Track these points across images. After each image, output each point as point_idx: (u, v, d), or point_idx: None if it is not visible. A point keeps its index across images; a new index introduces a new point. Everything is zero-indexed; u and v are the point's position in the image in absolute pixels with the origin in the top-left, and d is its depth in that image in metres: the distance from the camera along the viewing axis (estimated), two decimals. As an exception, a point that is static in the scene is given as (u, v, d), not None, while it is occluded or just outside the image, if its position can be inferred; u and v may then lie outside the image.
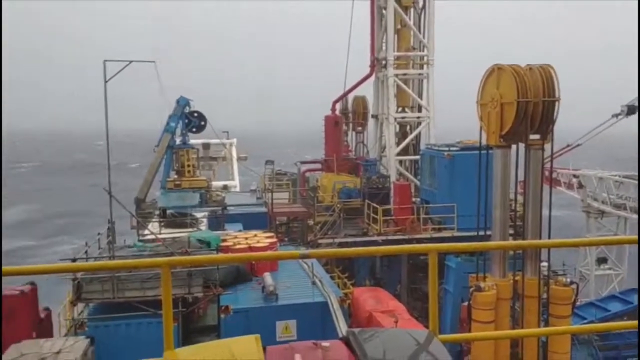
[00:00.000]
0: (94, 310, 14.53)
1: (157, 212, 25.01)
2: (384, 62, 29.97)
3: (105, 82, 14.97)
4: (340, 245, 22.64)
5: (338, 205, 24.69)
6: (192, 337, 15.01)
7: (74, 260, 14.22)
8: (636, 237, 5.30)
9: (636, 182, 25.10)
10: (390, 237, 22.89)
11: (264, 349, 4.00)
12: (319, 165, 32.91)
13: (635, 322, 5.35)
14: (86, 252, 15.44)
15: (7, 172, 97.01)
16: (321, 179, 30.65)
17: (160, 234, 19.58)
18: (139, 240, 18.76)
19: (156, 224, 22.49)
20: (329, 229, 23.77)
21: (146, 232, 19.93)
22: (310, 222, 25.05)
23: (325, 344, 4.18)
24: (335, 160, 30.17)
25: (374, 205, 23.84)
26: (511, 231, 15.80)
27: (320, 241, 23.17)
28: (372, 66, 30.82)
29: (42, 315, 14.11)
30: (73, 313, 14.55)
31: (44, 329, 13.94)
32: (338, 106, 33.41)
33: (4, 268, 4.07)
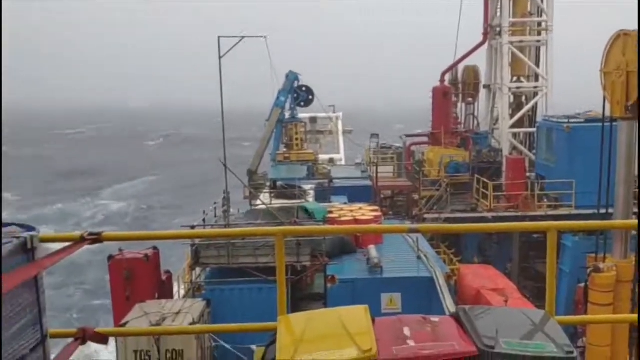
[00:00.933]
0: (210, 274, 15.41)
1: (267, 184, 25.93)
2: (498, 29, 28.59)
3: (220, 57, 15.55)
4: (447, 221, 22.22)
5: (445, 180, 24.17)
6: (300, 304, 15.55)
7: (192, 227, 15.17)
8: None
9: None
10: (501, 214, 22.11)
11: (373, 320, 4.07)
12: (425, 139, 32.31)
13: None
14: (204, 220, 16.39)
15: (138, 147, 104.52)
16: (427, 152, 30.10)
17: (270, 204, 20.29)
18: (251, 210, 19.57)
19: (267, 195, 23.33)
20: (435, 204, 23.39)
21: (258, 202, 20.75)
22: (415, 197, 24.79)
23: (434, 318, 4.17)
24: (443, 133, 29.46)
25: (484, 180, 23.07)
26: (635, 209, 14.70)
27: (425, 216, 22.89)
28: (485, 34, 29.53)
29: (164, 277, 15.20)
30: (191, 276, 15.51)
31: (165, 290, 15.02)
32: (447, 77, 32.44)
33: (131, 233, 4.43)
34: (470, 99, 34.05)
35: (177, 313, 12.55)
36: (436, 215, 22.69)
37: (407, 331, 4.01)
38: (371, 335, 3.85)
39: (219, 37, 15.61)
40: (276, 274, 4.76)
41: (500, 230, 18.91)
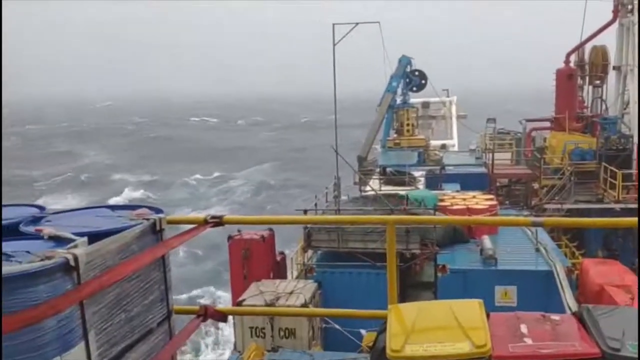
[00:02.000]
0: (322, 257, 15.75)
1: (377, 170, 25.88)
2: (630, 6, 26.21)
3: (334, 44, 15.69)
4: (569, 211, 20.93)
5: (568, 168, 22.69)
6: (408, 292, 15.45)
7: (305, 212, 15.57)
8: None
9: None
10: (630, 206, 20.43)
11: (487, 314, 3.94)
12: (547, 124, 30.49)
13: None
14: (315, 204, 16.74)
15: (249, 134, 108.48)
16: (549, 138, 28.38)
17: (380, 190, 20.27)
18: (361, 196, 19.68)
19: (376, 181, 23.31)
20: (557, 194, 22.08)
21: (367, 188, 20.81)
22: (535, 185, 23.55)
23: (555, 317, 3.96)
24: (567, 118, 27.64)
25: (612, 168, 21.42)
26: None
27: (546, 206, 21.69)
28: (615, 11, 27.19)
29: (278, 258, 15.77)
30: (304, 258, 15.93)
31: (279, 270, 15.59)
32: (572, 58, 30.31)
33: (249, 217, 4.60)
34: (597, 82, 31.52)
35: (290, 293, 13.00)
36: (558, 206, 21.43)
37: (524, 328, 3.84)
38: (485, 330, 3.73)
39: (333, 25, 15.77)
40: (386, 260, 4.74)
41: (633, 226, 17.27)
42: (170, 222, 4.00)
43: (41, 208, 4.26)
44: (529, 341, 3.72)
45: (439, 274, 13.93)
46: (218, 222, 4.11)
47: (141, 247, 3.60)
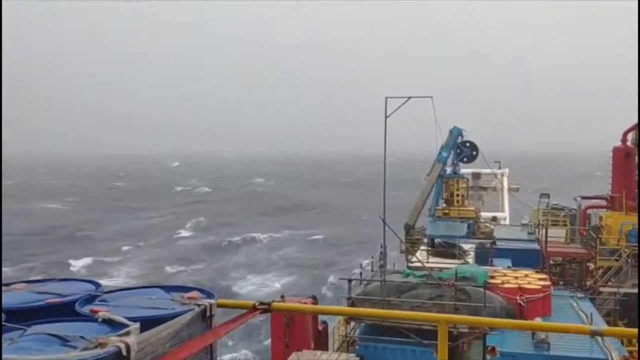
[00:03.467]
0: (365, 329, 15.39)
1: (425, 240, 25.48)
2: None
3: (386, 117, 15.92)
4: (626, 295, 19.92)
5: (626, 250, 21.77)
6: (455, 372, 14.83)
7: (349, 280, 15.40)
8: None
9: None
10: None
11: None
12: (603, 202, 29.55)
13: None
14: (360, 274, 16.55)
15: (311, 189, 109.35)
16: (606, 217, 27.41)
17: (427, 262, 19.90)
18: (408, 267, 19.36)
19: (424, 252, 22.91)
20: (613, 276, 21.12)
21: (414, 259, 20.46)
22: (591, 266, 22.61)
23: None
24: (624, 197, 26.73)
25: (673, 252, 20.42)
26: None
27: (601, 289, 20.74)
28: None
29: (320, 327, 15.49)
30: (346, 330, 15.60)
31: (320, 341, 15.28)
32: (630, 136, 29.62)
33: (298, 305, 4.57)
34: (657, 160, 30.58)
35: (331, 366, 12.68)
36: (614, 289, 20.44)
37: None
38: None
39: (386, 98, 16.06)
40: (432, 338, 4.58)
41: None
42: (220, 306, 4.03)
43: (97, 285, 4.36)
44: None
45: (488, 357, 13.35)
46: (267, 308, 4.12)
47: (191, 334, 3.62)
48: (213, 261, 52.67)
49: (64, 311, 3.68)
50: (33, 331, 3.29)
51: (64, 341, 3.12)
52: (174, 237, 66.33)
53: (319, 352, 13.78)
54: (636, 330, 4.22)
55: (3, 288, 4.19)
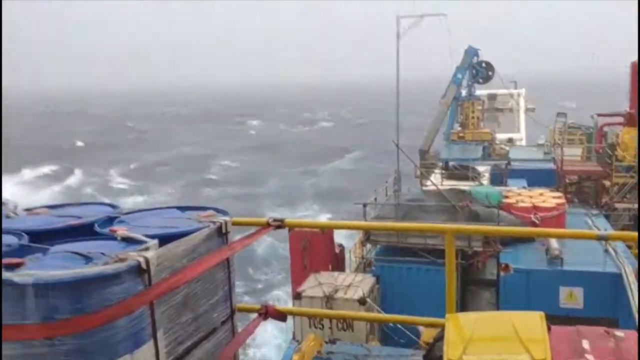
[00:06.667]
0: (380, 251, 15.71)
1: (439, 164, 25.47)
2: None
3: (398, 38, 15.54)
4: (641, 211, 19.94)
5: (642, 166, 21.59)
6: (469, 289, 15.21)
7: (364, 205, 15.59)
8: None
9: None
10: None
11: (549, 327, 3.87)
12: (620, 119, 29.05)
13: None
14: (375, 198, 16.72)
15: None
16: (622, 134, 27.01)
17: (441, 185, 19.97)
18: (422, 191, 19.47)
19: (438, 175, 22.97)
20: (629, 192, 21.07)
21: (428, 182, 20.54)
22: (607, 183, 22.55)
23: (618, 333, 3.85)
24: (642, 113, 26.19)
25: (690, 167, 20.23)
26: None
27: (617, 205, 20.75)
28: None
29: (337, 250, 15.86)
30: (362, 252, 15.95)
31: (337, 263, 15.68)
32: (650, 49, 28.68)
33: (309, 221, 4.68)
34: (678, 74, 29.71)
35: (348, 286, 13.05)
36: (629, 205, 20.45)
37: (586, 344, 3.76)
38: (546, 344, 3.68)
39: (397, 17, 15.59)
40: (444, 258, 4.71)
41: None
42: (235, 224, 4.15)
43: (114, 207, 4.50)
44: (590, 357, 3.64)
45: (502, 273, 13.62)
46: (280, 224, 4.24)
47: (208, 249, 3.76)
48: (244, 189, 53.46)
49: (84, 232, 3.82)
50: (55, 250, 3.44)
51: (85, 258, 3.26)
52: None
53: (336, 273, 14.17)
54: (636, 233, 4.28)
55: (27, 212, 4.36)
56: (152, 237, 3.54)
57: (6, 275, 2.92)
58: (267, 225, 4.25)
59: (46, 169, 61.53)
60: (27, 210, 4.41)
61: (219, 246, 3.88)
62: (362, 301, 12.61)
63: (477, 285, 15.48)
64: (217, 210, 4.21)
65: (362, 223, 4.69)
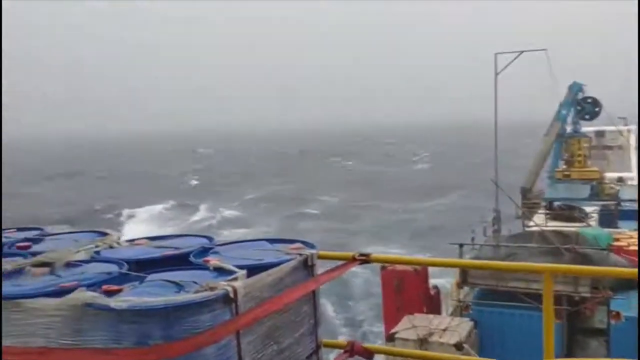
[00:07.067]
0: (478, 294, 15.10)
1: (543, 204, 24.30)
2: None
3: (496, 74, 15.21)
4: None
5: None
6: (577, 338, 14.18)
7: (461, 245, 15.12)
8: None
9: None
10: None
11: None
12: None
13: None
14: (472, 239, 16.18)
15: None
16: None
17: (545, 226, 19.00)
18: (525, 232, 18.59)
19: (542, 216, 21.89)
20: None
21: (531, 223, 19.63)
22: None
23: None
24: None
25: None
26: None
27: None
28: None
29: (432, 292, 15.43)
30: (459, 295, 15.41)
31: (432, 305, 15.23)
32: None
33: (398, 257, 4.60)
34: None
35: (444, 330, 12.62)
36: None
37: None
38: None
39: (495, 54, 15.30)
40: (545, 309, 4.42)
41: None
42: (321, 257, 4.17)
43: (210, 239, 4.69)
44: None
45: (612, 321, 12.63)
46: (366, 259, 4.20)
47: (293, 281, 3.80)
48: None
49: (180, 262, 4.00)
50: (151, 278, 3.62)
51: (178, 286, 3.40)
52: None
53: (431, 316, 13.75)
54: None
55: (129, 243, 4.64)
56: (242, 267, 3.64)
57: (105, 300, 3.10)
58: (353, 259, 4.23)
59: (167, 205, 65.68)
60: (129, 241, 4.69)
61: (304, 278, 3.90)
62: (458, 346, 12.14)
63: (586, 335, 14.42)
64: (305, 243, 4.26)
65: (451, 260, 4.48)
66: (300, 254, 3.98)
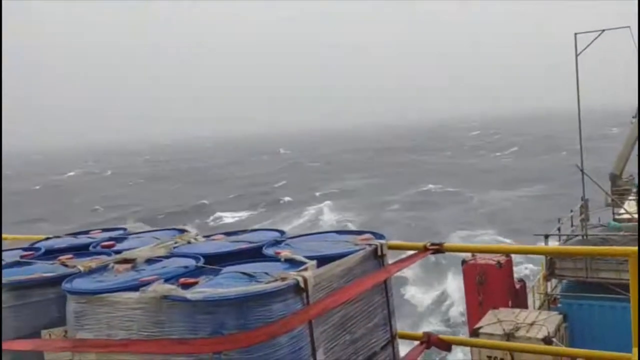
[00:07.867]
0: (567, 287, 14.48)
1: (634, 190, 22.83)
2: None
3: (577, 55, 14.48)
4: None
5: None
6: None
7: (546, 236, 14.51)
8: None
9: None
10: None
11: None
12: None
13: None
14: (559, 229, 15.49)
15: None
16: None
17: (637, 213, 17.85)
18: (614, 220, 17.63)
19: (633, 203, 20.57)
20: None
21: (621, 210, 18.53)
22: None
23: None
24: None
25: None
26: None
27: None
28: None
29: (517, 286, 14.90)
30: (546, 288, 14.82)
31: (518, 299, 14.71)
32: None
33: (472, 245, 4.48)
34: None
35: (531, 324, 12.20)
36: None
37: None
38: None
39: (575, 34, 14.54)
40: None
41: None
42: (390, 248, 4.13)
43: (282, 232, 4.78)
44: None
45: None
46: (438, 249, 4.12)
47: (363, 271, 3.79)
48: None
49: (253, 254, 4.11)
50: (226, 271, 3.73)
51: (251, 277, 3.48)
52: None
53: (517, 310, 13.30)
54: None
55: (206, 238, 4.82)
56: (312, 258, 3.67)
57: (181, 292, 3.23)
58: (425, 249, 4.15)
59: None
60: (206, 237, 4.86)
61: (374, 269, 3.88)
62: (547, 340, 11.67)
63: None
64: (374, 234, 4.24)
65: (528, 247, 4.24)
66: (370, 244, 3.97)
